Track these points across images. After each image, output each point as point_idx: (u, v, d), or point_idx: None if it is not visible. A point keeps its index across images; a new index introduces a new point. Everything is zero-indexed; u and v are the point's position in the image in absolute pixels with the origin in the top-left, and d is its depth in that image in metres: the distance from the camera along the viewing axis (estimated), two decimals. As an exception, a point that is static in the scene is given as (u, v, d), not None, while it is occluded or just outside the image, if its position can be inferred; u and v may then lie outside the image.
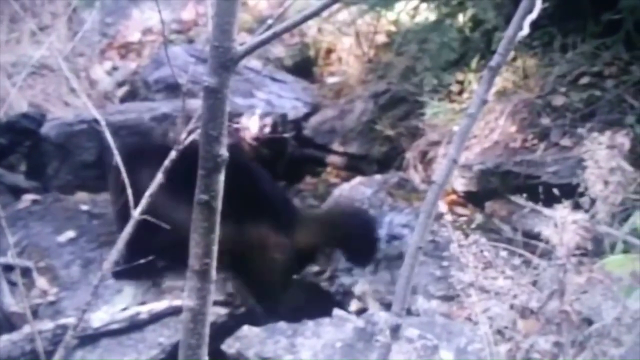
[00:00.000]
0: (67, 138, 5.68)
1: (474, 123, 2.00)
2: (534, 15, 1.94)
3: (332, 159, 6.04)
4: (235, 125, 5.49)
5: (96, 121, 3.43)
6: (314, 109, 6.34)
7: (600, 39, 5.29)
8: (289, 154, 6.01)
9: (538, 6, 1.94)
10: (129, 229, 2.38)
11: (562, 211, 3.30)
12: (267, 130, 5.91)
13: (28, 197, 5.45)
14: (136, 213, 2.37)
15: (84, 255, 4.96)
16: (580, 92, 5.17)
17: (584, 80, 5.23)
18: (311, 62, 6.92)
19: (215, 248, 1.91)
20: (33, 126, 5.80)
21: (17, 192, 5.56)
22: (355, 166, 5.93)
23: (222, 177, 1.87)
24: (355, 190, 5.25)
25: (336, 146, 6.03)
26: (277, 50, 6.87)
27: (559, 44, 5.45)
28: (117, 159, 2.56)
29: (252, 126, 5.88)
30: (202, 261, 1.91)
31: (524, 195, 4.74)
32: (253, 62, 6.60)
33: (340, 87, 6.53)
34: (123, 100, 6.70)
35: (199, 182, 1.88)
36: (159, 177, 2.34)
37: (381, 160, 5.87)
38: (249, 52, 1.82)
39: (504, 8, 5.48)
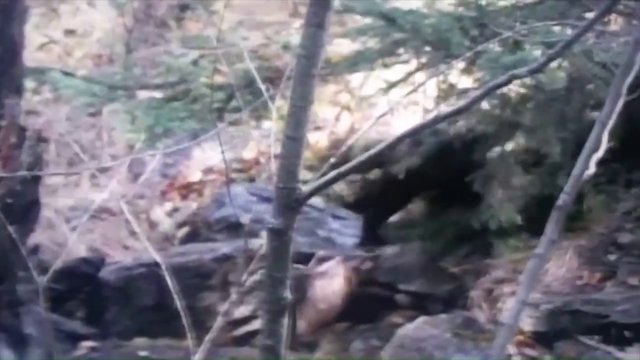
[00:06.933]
0: (127, 282, 5.67)
1: (544, 263, 1.94)
2: (600, 154, 1.88)
3: (396, 297, 5.92)
4: (300, 267, 5.38)
5: (156, 264, 3.40)
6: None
7: (667, 174, 5.23)
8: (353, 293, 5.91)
9: (604, 145, 1.88)
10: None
11: (632, 354, 3.21)
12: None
13: (86, 344, 5.40)
14: None
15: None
16: (647, 229, 5.10)
17: (650, 217, 5.16)
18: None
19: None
20: (92, 271, 5.78)
21: (75, 339, 5.48)
22: (419, 305, 5.81)
23: (286, 321, 1.81)
24: (420, 330, 5.12)
25: (399, 284, 5.93)
26: (339, 187, 6.83)
27: (624, 180, 5.38)
28: (177, 302, 2.48)
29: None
30: None
31: (594, 335, 4.63)
32: (314, 199, 6.55)
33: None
34: (183, 241, 6.68)
35: (263, 326, 1.81)
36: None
37: (446, 298, 5.75)
38: (314, 192, 1.79)
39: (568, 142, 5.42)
